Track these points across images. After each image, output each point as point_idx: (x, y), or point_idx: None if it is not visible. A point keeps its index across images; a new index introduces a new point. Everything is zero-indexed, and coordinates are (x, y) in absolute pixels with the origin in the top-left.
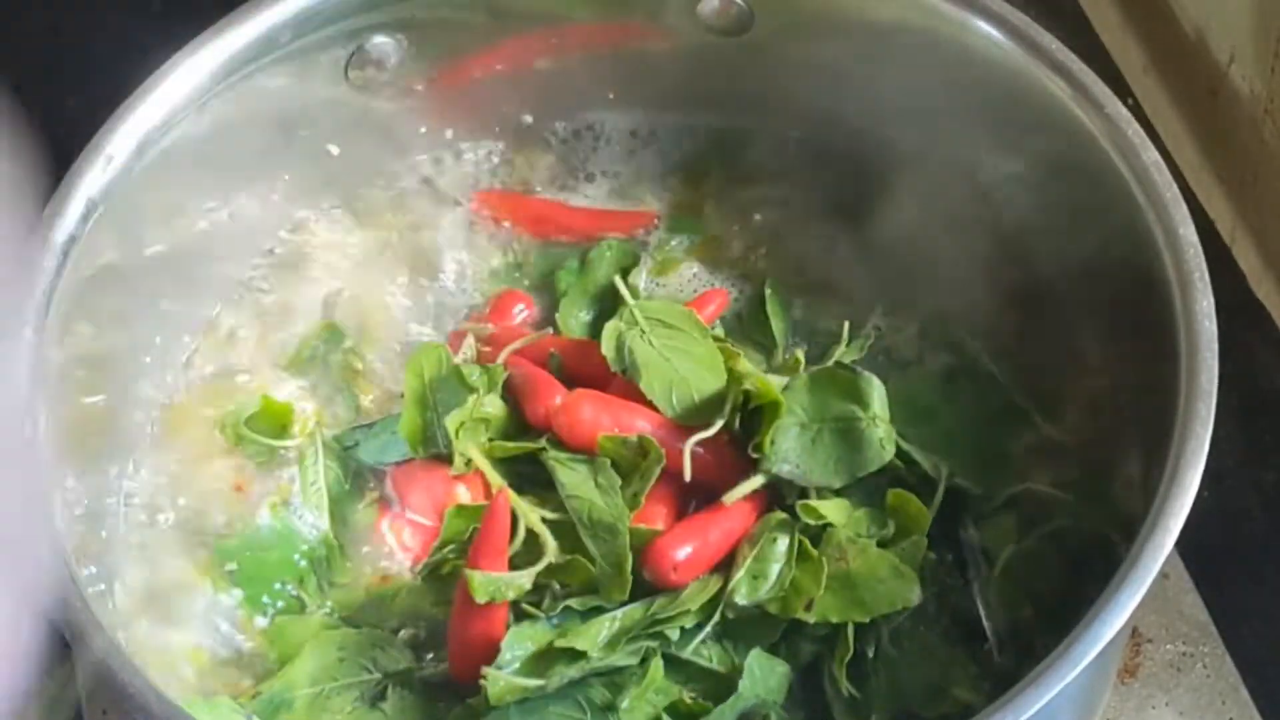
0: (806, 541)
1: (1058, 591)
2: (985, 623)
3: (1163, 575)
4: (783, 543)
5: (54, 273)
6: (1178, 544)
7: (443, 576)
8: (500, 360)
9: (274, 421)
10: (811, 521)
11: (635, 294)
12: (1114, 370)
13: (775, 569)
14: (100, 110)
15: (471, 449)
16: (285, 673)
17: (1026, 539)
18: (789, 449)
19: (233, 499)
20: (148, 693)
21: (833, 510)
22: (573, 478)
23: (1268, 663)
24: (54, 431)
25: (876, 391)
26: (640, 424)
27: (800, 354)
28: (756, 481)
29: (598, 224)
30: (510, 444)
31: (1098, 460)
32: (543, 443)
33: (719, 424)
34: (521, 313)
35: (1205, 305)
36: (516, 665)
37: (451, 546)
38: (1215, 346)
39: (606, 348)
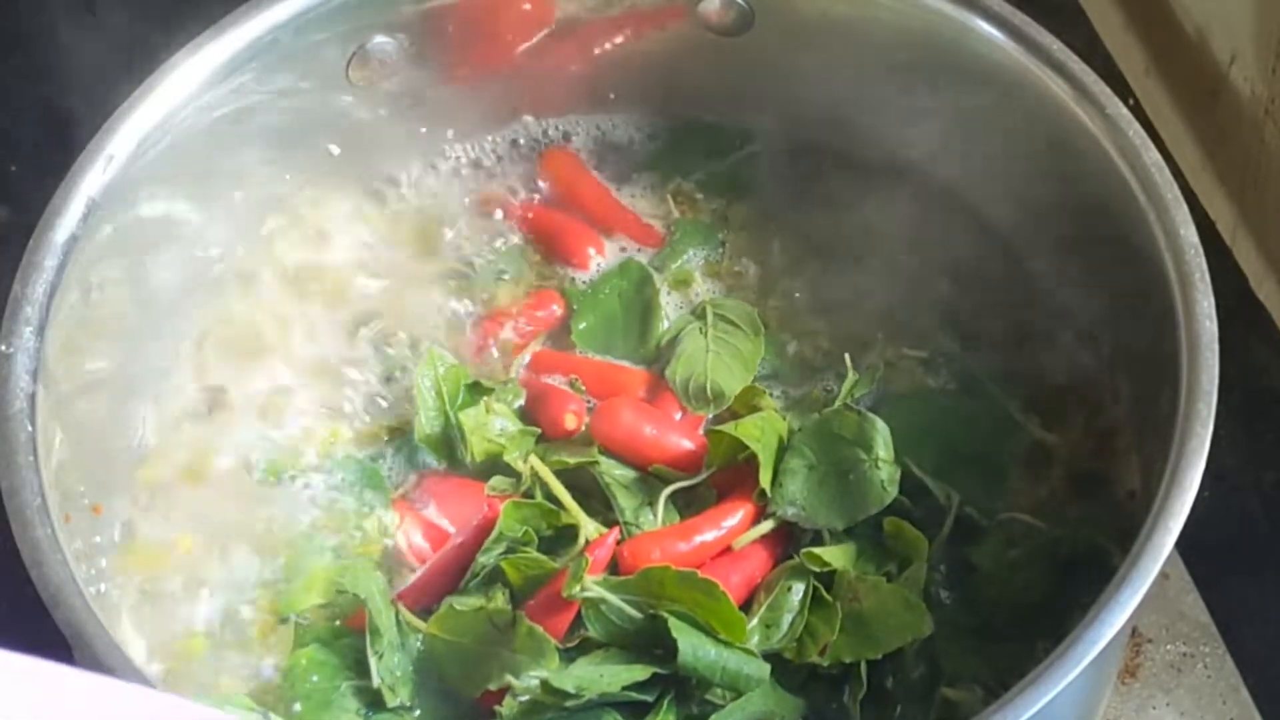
0: (821, 588)
1: (1053, 597)
2: (982, 629)
3: (1163, 575)
4: (797, 591)
5: (54, 272)
6: (1178, 544)
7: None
8: (514, 372)
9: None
10: (817, 568)
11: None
12: (1114, 372)
13: (787, 619)
14: (100, 110)
15: (536, 464)
16: (296, 667)
17: (1021, 548)
18: (795, 491)
19: (239, 501)
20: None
21: (837, 556)
22: (631, 503)
23: (1268, 663)
24: (55, 431)
25: (881, 435)
26: (673, 436)
27: (819, 392)
28: (765, 527)
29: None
30: (566, 458)
31: (1097, 464)
32: (595, 454)
33: (703, 475)
34: (552, 313)
35: (1206, 306)
36: (535, 685)
37: (501, 547)
38: (1216, 347)
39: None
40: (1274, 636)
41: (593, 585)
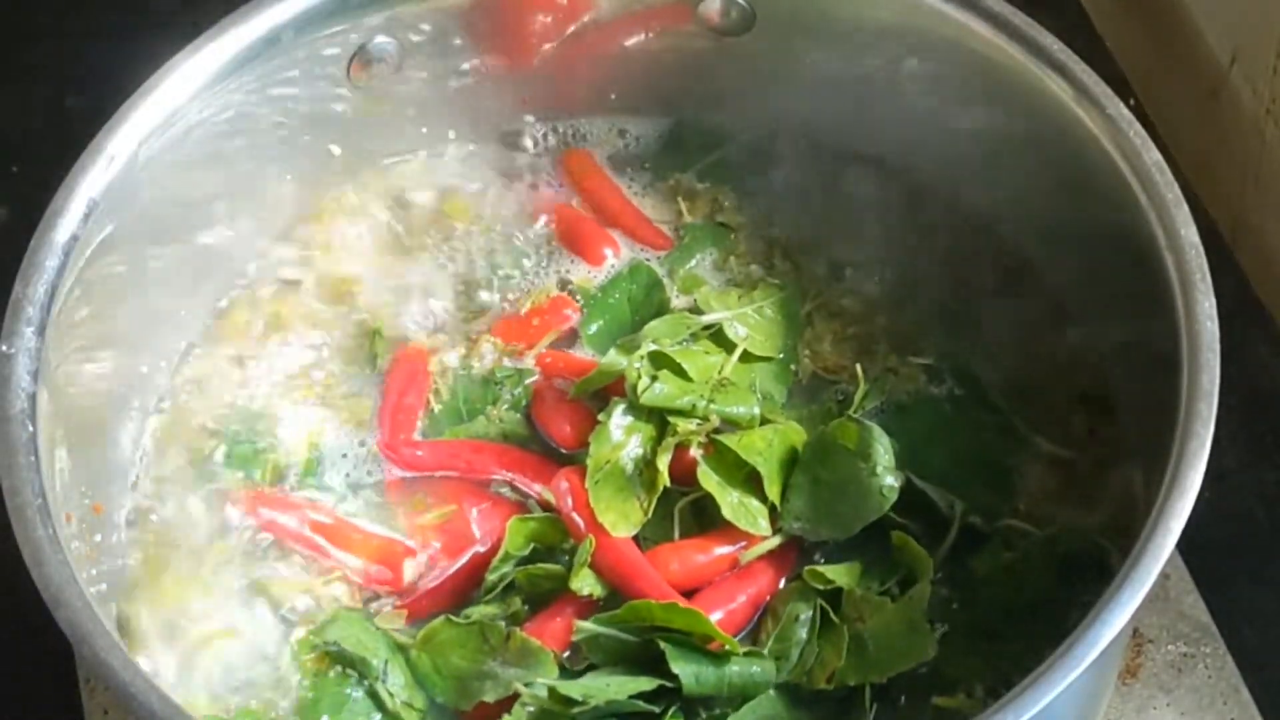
0: (829, 609)
1: (1054, 599)
2: (985, 631)
3: (1164, 576)
4: (804, 620)
5: (56, 272)
6: (1179, 544)
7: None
8: (529, 358)
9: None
10: (821, 586)
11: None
12: (1115, 373)
13: (795, 652)
14: (102, 110)
15: None
16: (306, 669)
17: (1021, 550)
18: (800, 506)
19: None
20: (149, 692)
21: (841, 573)
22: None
23: (1269, 663)
24: (57, 431)
25: (881, 443)
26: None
27: (831, 403)
28: (772, 543)
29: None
30: None
31: (1098, 465)
32: None
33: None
34: (565, 318)
35: (1207, 306)
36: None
37: (509, 564)
38: (1217, 347)
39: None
40: (1274, 636)
41: (584, 625)
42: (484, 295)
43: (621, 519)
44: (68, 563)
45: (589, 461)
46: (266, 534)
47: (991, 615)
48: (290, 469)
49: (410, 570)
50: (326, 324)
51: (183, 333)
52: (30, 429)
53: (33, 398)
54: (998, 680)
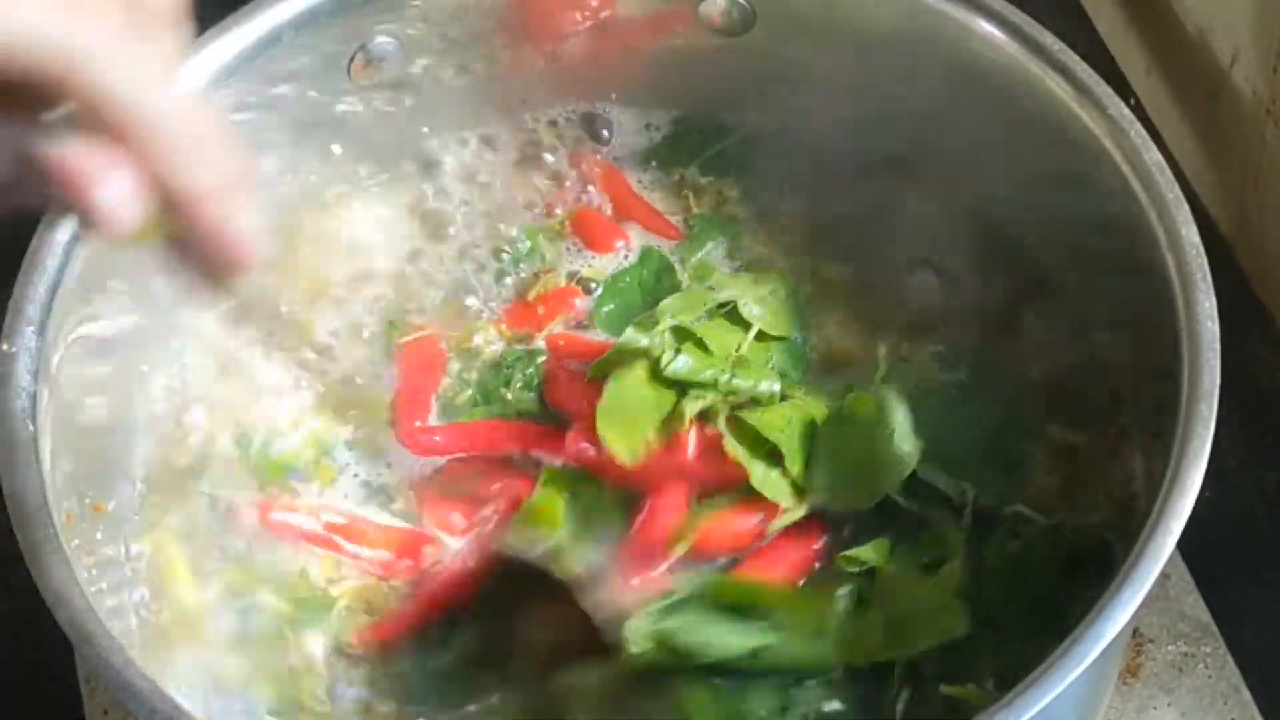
0: (862, 589)
1: (1057, 592)
2: (990, 622)
3: (1164, 575)
4: (840, 594)
5: (56, 272)
6: (1179, 544)
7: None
8: (540, 339)
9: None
10: (855, 570)
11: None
12: (1115, 372)
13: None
14: None
15: None
16: None
17: (1024, 539)
18: (823, 479)
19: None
20: (151, 692)
21: (871, 553)
22: None
23: (1269, 663)
24: (57, 430)
25: (898, 411)
26: None
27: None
28: (800, 511)
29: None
30: None
31: (1098, 464)
32: None
33: None
34: (573, 306)
35: (1207, 306)
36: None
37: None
38: (1218, 347)
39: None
40: (1276, 637)
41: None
42: (490, 287)
43: (628, 448)
44: (68, 563)
45: (604, 392)
46: (276, 532)
47: (996, 606)
48: (301, 464)
49: (430, 558)
50: (332, 319)
51: (185, 332)
52: (30, 429)
53: (33, 397)
54: (1007, 672)
